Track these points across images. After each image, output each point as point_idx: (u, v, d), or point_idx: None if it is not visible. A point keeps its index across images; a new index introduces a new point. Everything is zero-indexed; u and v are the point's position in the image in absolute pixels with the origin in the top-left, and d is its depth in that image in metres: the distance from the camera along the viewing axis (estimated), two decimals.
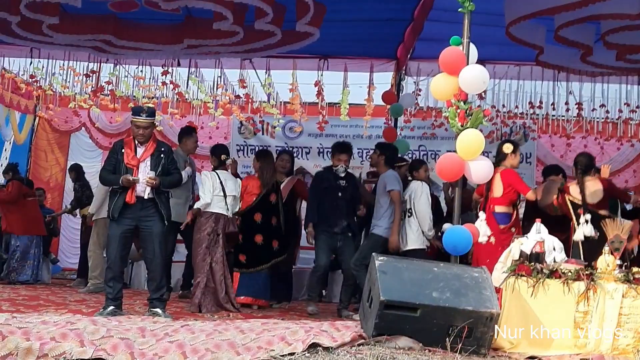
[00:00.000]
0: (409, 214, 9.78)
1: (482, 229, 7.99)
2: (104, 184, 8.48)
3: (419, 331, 5.70)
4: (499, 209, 8.75)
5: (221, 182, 9.33)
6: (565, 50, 10.51)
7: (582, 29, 9.55)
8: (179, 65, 12.82)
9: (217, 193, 9.30)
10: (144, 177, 7.84)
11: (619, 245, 6.55)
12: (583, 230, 8.16)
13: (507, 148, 8.92)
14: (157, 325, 6.08)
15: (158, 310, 7.81)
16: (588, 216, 8.27)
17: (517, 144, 9.42)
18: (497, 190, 8.74)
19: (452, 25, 7.35)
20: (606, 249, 6.43)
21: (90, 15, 10.25)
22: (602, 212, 8.50)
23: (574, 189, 8.75)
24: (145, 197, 7.85)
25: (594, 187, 8.69)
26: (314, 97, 13.01)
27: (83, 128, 15.71)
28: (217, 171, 9.51)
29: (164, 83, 12.76)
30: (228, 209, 9.34)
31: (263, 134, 14.99)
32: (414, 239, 9.64)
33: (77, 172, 13.33)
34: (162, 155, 8.06)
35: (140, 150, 8.03)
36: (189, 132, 10.80)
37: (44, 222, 12.86)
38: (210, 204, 9.25)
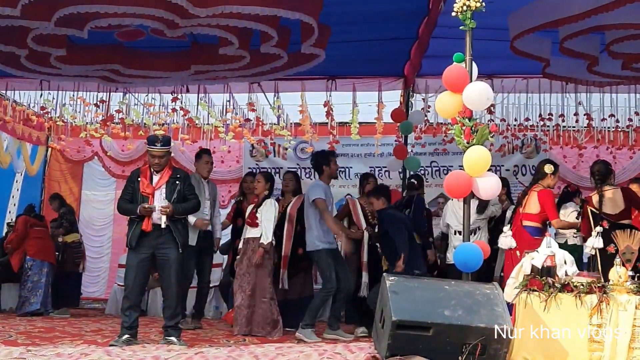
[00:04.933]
0: None
1: (508, 241, 8.18)
2: (122, 214, 8.46)
3: (433, 350, 5.69)
4: (528, 222, 8.72)
5: None
6: (572, 62, 10.52)
7: (586, 40, 9.55)
8: (188, 91, 12.91)
9: None
10: (159, 205, 7.90)
11: (631, 256, 6.52)
12: (593, 242, 8.05)
13: (549, 169, 8.90)
14: (172, 354, 6.12)
15: (173, 338, 7.81)
16: (599, 228, 8.14)
17: (557, 165, 9.24)
18: (533, 207, 8.71)
19: (457, 41, 7.35)
20: (617, 260, 6.39)
21: (97, 46, 10.34)
22: (625, 221, 8.42)
23: (595, 199, 8.70)
24: (162, 225, 7.88)
25: (613, 196, 8.63)
26: (323, 118, 13.10)
27: (95, 157, 15.77)
28: None
29: (173, 109, 12.80)
30: None
31: (275, 155, 15.03)
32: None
33: (60, 199, 13.36)
34: (177, 182, 8.11)
35: (155, 178, 8.09)
36: (198, 155, 10.73)
37: (54, 252, 12.70)
38: None
